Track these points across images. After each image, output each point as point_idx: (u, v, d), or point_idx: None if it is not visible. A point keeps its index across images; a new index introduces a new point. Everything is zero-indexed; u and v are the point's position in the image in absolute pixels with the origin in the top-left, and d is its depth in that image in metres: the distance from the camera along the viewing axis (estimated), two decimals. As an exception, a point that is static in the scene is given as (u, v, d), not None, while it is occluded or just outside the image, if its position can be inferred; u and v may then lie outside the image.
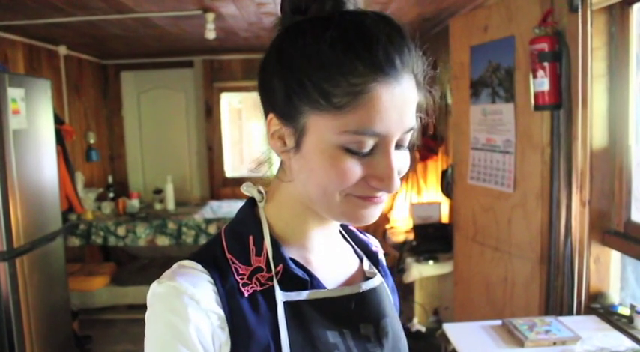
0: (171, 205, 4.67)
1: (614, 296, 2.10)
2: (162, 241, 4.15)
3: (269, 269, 0.68)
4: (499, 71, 2.62)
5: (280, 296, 0.66)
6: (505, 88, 2.59)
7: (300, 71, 0.61)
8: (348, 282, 0.75)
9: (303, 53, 0.61)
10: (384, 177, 0.62)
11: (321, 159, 0.62)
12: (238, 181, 5.53)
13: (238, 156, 6.69)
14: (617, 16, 2.01)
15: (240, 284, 0.66)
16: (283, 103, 0.63)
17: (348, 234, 0.83)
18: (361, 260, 0.81)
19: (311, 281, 0.69)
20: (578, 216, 2.13)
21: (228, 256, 0.68)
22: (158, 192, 4.82)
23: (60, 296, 3.21)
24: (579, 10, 2.03)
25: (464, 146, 2.97)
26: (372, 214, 0.66)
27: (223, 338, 0.63)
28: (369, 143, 0.61)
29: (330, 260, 0.75)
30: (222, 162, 5.42)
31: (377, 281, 0.76)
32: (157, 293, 0.64)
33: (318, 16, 0.63)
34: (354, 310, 0.71)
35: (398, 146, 0.64)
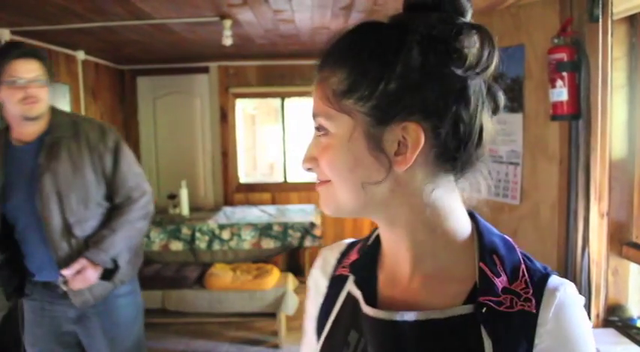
0: (185, 210, 4.68)
1: (633, 309, 2.06)
2: (176, 246, 4.15)
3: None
4: (502, 80, 2.59)
5: (349, 286, 0.76)
6: (511, 98, 2.56)
7: None
8: (413, 305, 0.68)
9: None
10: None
11: None
12: (252, 187, 5.53)
13: (252, 162, 6.71)
14: (638, 26, 1.98)
15: (340, 267, 0.81)
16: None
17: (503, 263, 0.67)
18: (474, 296, 0.65)
19: (364, 295, 0.72)
20: (596, 227, 2.10)
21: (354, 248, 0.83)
22: (172, 197, 4.84)
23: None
24: (600, 19, 2.01)
25: None
26: (321, 201, 0.72)
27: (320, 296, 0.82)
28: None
29: (413, 277, 0.70)
30: (236, 168, 5.43)
31: (434, 315, 0.64)
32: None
33: None
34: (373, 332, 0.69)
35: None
